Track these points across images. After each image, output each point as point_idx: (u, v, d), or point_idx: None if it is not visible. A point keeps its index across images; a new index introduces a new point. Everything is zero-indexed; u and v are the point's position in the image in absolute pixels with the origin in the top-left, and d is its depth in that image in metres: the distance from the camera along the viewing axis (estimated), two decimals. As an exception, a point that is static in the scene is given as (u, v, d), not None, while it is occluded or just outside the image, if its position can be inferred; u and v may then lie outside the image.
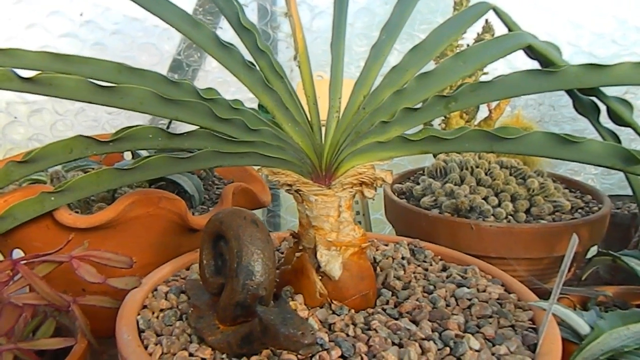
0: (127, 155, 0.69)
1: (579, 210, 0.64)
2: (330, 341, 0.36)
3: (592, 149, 0.38)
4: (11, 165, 0.44)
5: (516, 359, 0.35)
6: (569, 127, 0.97)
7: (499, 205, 0.60)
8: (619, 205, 0.78)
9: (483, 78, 0.50)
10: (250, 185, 0.64)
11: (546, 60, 0.43)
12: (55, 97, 0.40)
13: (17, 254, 0.48)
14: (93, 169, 0.55)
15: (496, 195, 0.61)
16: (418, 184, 0.68)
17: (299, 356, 0.35)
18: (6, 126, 0.79)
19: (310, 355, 0.34)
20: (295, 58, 0.39)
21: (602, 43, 0.94)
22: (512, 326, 0.40)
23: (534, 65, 0.46)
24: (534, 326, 0.40)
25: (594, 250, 0.68)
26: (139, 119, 0.80)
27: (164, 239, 0.55)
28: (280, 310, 0.33)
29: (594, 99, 0.46)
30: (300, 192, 0.42)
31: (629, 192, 0.88)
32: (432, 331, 0.38)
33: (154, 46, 0.77)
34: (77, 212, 0.52)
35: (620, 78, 0.39)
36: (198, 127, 0.41)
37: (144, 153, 0.65)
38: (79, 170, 0.60)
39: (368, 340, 0.36)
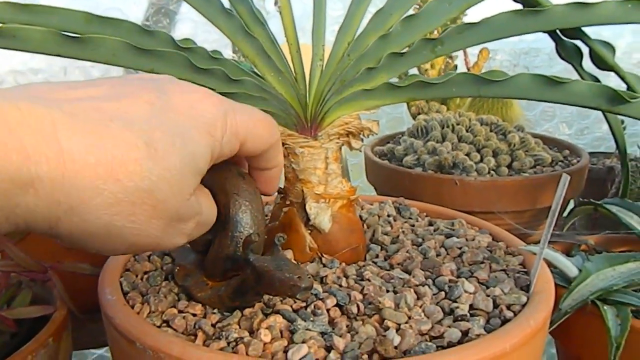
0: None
1: (559, 163, 0.65)
2: (324, 292, 0.35)
3: (578, 90, 0.38)
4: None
5: (511, 298, 0.35)
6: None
7: (482, 160, 0.60)
8: (594, 162, 0.79)
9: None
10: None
11: (531, 1, 0.43)
12: (21, 50, 0.37)
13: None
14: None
15: (478, 151, 0.61)
16: (399, 144, 0.67)
17: (293, 306, 0.34)
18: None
19: (306, 300, 0.33)
20: (275, 3, 0.37)
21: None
22: (504, 270, 0.40)
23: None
24: (525, 270, 0.40)
25: (571, 205, 0.69)
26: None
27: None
28: (273, 258, 0.31)
29: (577, 42, 0.46)
30: (285, 145, 0.40)
31: (602, 150, 0.90)
32: (426, 278, 0.38)
33: (119, 11, 0.73)
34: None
35: (605, 17, 0.39)
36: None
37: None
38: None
39: (362, 289, 0.36)
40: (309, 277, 0.30)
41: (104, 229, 0.24)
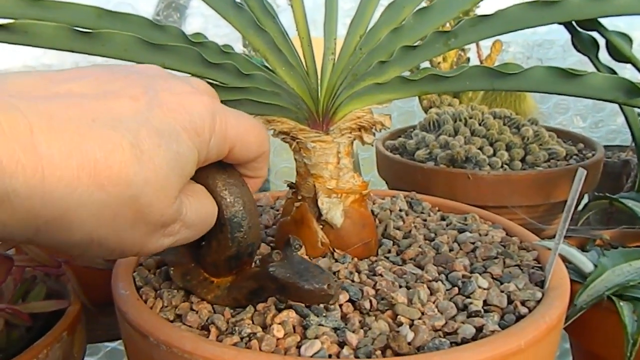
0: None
1: (574, 157, 0.64)
2: (336, 287, 0.35)
3: (595, 82, 0.37)
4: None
5: (526, 294, 0.34)
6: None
7: (494, 154, 0.60)
8: (609, 155, 0.78)
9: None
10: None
11: (546, -8, 0.42)
12: (32, 45, 0.37)
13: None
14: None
15: (491, 144, 0.61)
16: (411, 138, 0.67)
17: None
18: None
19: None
20: (287, -4, 0.37)
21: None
22: (518, 265, 0.39)
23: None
24: (539, 265, 0.39)
25: (585, 200, 0.68)
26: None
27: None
28: (290, 262, 0.31)
29: (593, 34, 0.45)
30: (297, 140, 0.40)
31: (617, 143, 0.89)
32: (439, 274, 0.38)
33: (130, 6, 0.73)
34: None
35: (623, 7, 0.38)
36: (187, 74, 0.39)
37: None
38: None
39: (375, 284, 0.35)
40: (336, 282, 0.30)
41: (87, 238, 0.23)
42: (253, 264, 0.35)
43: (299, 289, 0.29)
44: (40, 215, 0.21)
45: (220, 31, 0.77)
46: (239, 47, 0.75)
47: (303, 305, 0.33)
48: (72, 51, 0.38)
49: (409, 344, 0.30)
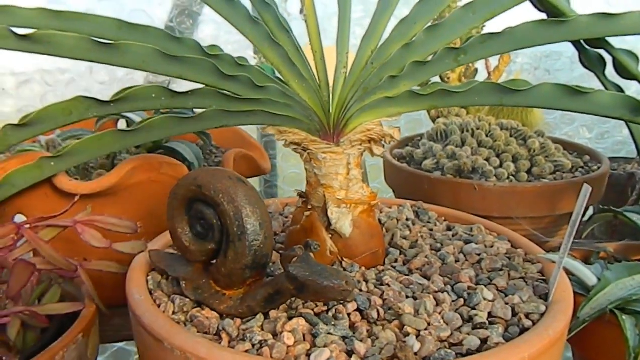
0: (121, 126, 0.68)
1: (580, 170, 0.64)
2: (344, 296, 0.36)
3: (601, 100, 0.38)
4: (8, 129, 0.43)
5: (530, 306, 0.35)
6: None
7: (501, 166, 0.60)
8: (615, 167, 0.79)
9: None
10: (250, 152, 0.63)
11: (555, 11, 0.43)
12: (54, 55, 0.39)
13: (20, 219, 0.47)
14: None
15: (498, 156, 0.61)
16: (418, 148, 0.68)
17: (315, 310, 0.35)
18: (-6, 98, 0.78)
19: (327, 304, 0.34)
20: (301, 12, 0.38)
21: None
22: (523, 278, 0.40)
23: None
24: (544, 278, 0.40)
25: (590, 213, 0.69)
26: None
27: (164, 207, 0.54)
28: (307, 263, 0.32)
29: (601, 52, 0.46)
30: (308, 151, 0.41)
31: (623, 155, 0.89)
32: (445, 285, 0.39)
33: (144, 13, 0.74)
34: (76, 179, 0.50)
35: (630, 27, 0.39)
36: (203, 84, 0.40)
37: (138, 120, 0.64)
38: (74, 139, 0.59)
39: (382, 294, 0.36)
40: (353, 279, 0.31)
41: None
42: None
43: (319, 286, 0.30)
44: None
45: (231, 38, 0.78)
46: (249, 54, 0.76)
47: (313, 313, 0.34)
48: (92, 61, 0.39)
49: (416, 354, 0.30)
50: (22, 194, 0.47)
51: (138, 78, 0.77)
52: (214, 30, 0.81)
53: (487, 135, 0.63)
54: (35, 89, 0.78)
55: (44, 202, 0.49)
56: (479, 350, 0.31)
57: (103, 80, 0.79)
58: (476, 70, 0.75)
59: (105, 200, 0.49)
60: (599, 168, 0.64)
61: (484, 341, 0.32)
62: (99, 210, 0.48)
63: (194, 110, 0.55)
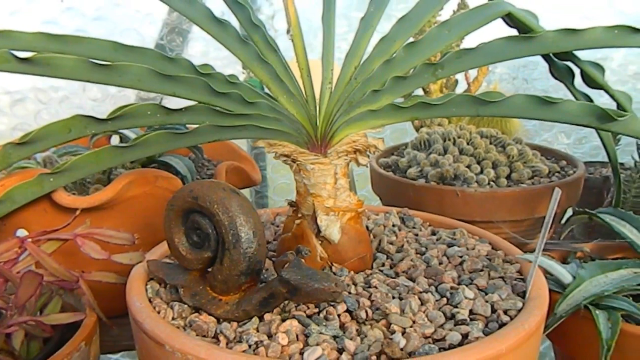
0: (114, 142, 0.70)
1: (556, 174, 0.67)
2: (334, 298, 0.38)
3: (569, 109, 0.41)
4: (9, 147, 0.45)
5: (508, 303, 0.38)
6: (541, 100, 1.01)
7: (482, 172, 0.63)
8: (591, 171, 0.82)
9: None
10: (241, 164, 0.65)
11: (524, 27, 0.46)
12: (54, 77, 0.41)
13: (22, 233, 0.48)
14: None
15: (478, 163, 0.64)
16: (403, 156, 0.70)
17: (307, 312, 0.37)
18: (-12, 117, 0.79)
19: (318, 306, 0.36)
20: (288, 32, 0.40)
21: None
22: (502, 277, 0.42)
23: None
24: (522, 277, 0.43)
25: (569, 213, 0.72)
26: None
27: (159, 219, 0.56)
28: (299, 268, 0.34)
29: (569, 63, 0.49)
30: (297, 162, 0.43)
31: (600, 159, 0.92)
32: (429, 285, 0.41)
33: (135, 31, 0.77)
34: (73, 194, 0.52)
35: (593, 41, 0.42)
36: (195, 102, 0.42)
37: (132, 136, 0.66)
38: (70, 155, 0.61)
39: (370, 296, 0.39)
40: (342, 281, 0.33)
41: None
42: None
43: (310, 288, 0.33)
44: None
45: (220, 54, 0.81)
46: (238, 69, 0.79)
47: (305, 315, 0.36)
48: (91, 81, 0.41)
49: (402, 349, 0.33)
50: (21, 210, 0.48)
51: (130, 94, 0.79)
52: (203, 47, 0.84)
53: (468, 144, 0.66)
54: (29, 107, 0.79)
55: (42, 217, 0.50)
56: (460, 344, 0.33)
57: (95, 97, 0.81)
58: (456, 81, 0.78)
59: (102, 214, 0.51)
60: (574, 172, 0.67)
61: (465, 336, 0.34)
62: (96, 224, 0.50)
63: (186, 125, 0.57)
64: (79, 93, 0.80)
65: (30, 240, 0.41)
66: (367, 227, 0.52)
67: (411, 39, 0.43)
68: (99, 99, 0.80)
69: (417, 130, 0.78)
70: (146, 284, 0.41)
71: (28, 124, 0.79)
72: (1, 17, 0.75)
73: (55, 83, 0.79)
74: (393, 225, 0.53)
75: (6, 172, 0.55)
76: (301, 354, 0.32)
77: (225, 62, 0.75)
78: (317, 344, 0.33)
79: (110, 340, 0.54)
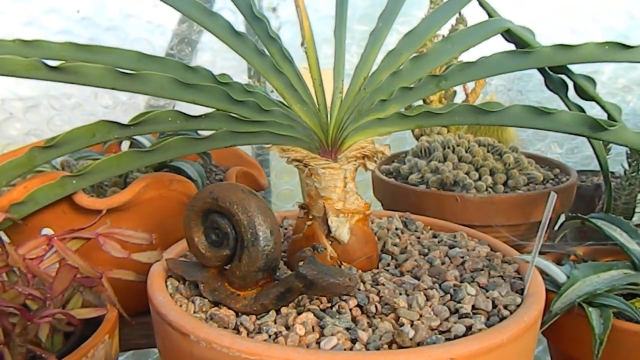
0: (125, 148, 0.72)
1: (550, 181, 0.71)
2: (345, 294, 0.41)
3: (564, 119, 0.44)
4: (35, 150, 0.47)
5: (508, 299, 0.40)
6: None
7: (480, 179, 0.66)
8: (583, 179, 0.85)
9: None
10: (249, 169, 0.68)
11: (522, 43, 0.49)
12: (81, 84, 0.43)
13: (47, 232, 0.50)
14: (98, 159, 0.58)
15: (476, 170, 0.67)
16: (404, 164, 0.73)
17: (320, 306, 0.39)
18: (2, 122, 0.81)
19: (331, 301, 0.39)
20: (302, 44, 0.43)
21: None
22: (501, 276, 0.45)
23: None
24: (520, 276, 0.45)
25: (562, 219, 0.75)
26: (136, 113, 0.82)
27: (174, 220, 0.58)
28: (314, 264, 0.37)
29: (563, 76, 0.52)
30: (309, 167, 0.46)
31: (591, 168, 0.96)
32: (433, 283, 0.43)
33: (146, 41, 0.79)
34: (92, 196, 0.54)
35: (586, 56, 0.45)
36: (215, 109, 0.45)
37: (144, 142, 0.68)
38: (85, 160, 0.63)
39: (378, 292, 0.41)
40: (355, 276, 0.35)
41: None
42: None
43: (326, 282, 0.35)
44: None
45: (227, 63, 0.84)
46: (244, 78, 0.81)
47: (319, 309, 0.39)
48: (116, 89, 0.44)
49: (411, 339, 0.35)
50: (41, 211, 0.51)
51: (140, 102, 0.82)
52: (210, 57, 0.87)
53: (466, 151, 0.69)
54: (43, 113, 0.81)
55: (61, 218, 0.52)
56: (464, 335, 0.36)
57: (107, 104, 0.83)
58: (455, 92, 0.81)
59: (120, 215, 0.53)
60: (567, 179, 0.70)
61: (468, 328, 0.37)
62: (114, 224, 0.52)
63: (198, 131, 0.60)
64: (91, 100, 0.83)
65: (56, 238, 0.43)
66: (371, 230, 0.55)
67: (415, 53, 0.46)
68: (110, 106, 0.82)
69: (417, 138, 0.81)
70: (165, 281, 0.44)
71: (41, 130, 0.81)
72: (15, 28, 0.78)
73: (67, 90, 0.82)
74: (396, 229, 0.56)
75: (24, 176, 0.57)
76: (317, 343, 0.35)
77: (232, 71, 0.77)
78: (332, 335, 0.35)
79: (120, 339, 0.56)
